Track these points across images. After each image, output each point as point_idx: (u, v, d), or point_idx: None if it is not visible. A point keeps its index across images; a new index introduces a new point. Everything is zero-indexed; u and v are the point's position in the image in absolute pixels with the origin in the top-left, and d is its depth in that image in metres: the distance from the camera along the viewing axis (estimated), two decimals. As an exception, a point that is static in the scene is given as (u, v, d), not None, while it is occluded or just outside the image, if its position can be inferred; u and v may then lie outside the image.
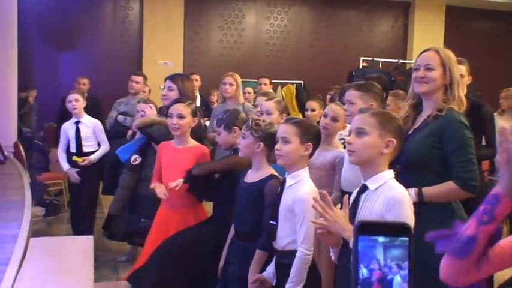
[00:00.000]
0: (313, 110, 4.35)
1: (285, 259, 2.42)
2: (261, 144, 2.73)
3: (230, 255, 2.86)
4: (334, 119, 3.32)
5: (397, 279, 0.76)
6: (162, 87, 8.67)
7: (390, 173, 2.01)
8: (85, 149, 5.01)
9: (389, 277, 0.76)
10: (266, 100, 3.64)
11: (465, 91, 3.54)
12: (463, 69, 3.45)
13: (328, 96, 5.77)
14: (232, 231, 2.92)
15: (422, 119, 2.55)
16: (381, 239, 0.77)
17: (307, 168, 2.50)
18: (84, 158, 4.91)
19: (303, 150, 2.45)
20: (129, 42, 10.01)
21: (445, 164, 2.42)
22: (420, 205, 2.26)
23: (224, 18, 10.50)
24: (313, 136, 2.50)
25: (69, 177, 5.04)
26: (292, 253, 2.38)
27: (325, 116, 3.37)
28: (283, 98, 8.55)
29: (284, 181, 2.51)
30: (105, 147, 5.10)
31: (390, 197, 1.91)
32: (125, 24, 10.04)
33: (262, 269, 2.64)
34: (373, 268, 0.76)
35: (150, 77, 6.40)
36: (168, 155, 3.39)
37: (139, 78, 5.73)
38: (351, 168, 2.71)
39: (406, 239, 0.77)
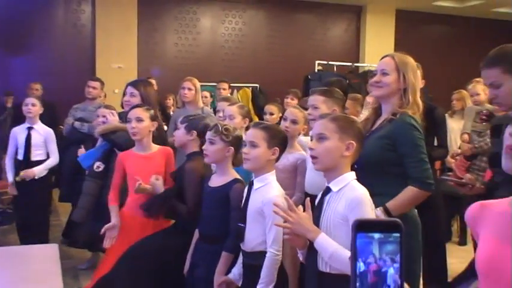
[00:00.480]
0: (271, 114, 4.43)
1: (254, 260, 2.48)
2: (232, 148, 2.78)
3: (196, 258, 2.89)
4: (294, 122, 3.41)
5: (391, 271, 0.84)
6: (116, 91, 8.61)
7: (352, 174, 2.10)
8: (33, 157, 4.81)
9: (383, 269, 0.84)
10: (229, 105, 3.68)
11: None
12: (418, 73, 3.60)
13: (286, 100, 5.86)
14: (196, 235, 2.95)
15: (380, 122, 2.65)
16: (376, 235, 0.85)
17: (274, 171, 2.56)
18: (26, 171, 4.70)
19: (270, 155, 2.51)
20: (81, 46, 9.84)
21: (403, 166, 2.52)
22: None
23: (179, 22, 10.48)
24: (280, 141, 2.56)
25: (10, 189, 4.79)
26: (261, 254, 2.43)
27: (285, 119, 3.45)
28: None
29: (251, 184, 2.56)
30: (54, 159, 4.91)
31: (352, 198, 2.00)
32: (77, 28, 9.88)
33: (228, 271, 2.69)
34: (370, 262, 0.84)
35: (103, 81, 6.32)
36: (133, 164, 3.36)
37: (96, 84, 5.66)
38: (315, 171, 2.78)
39: (398, 234, 0.86)
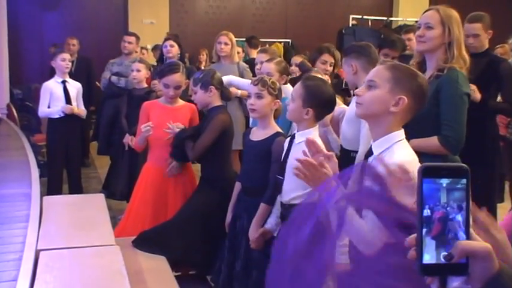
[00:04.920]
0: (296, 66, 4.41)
1: (290, 212, 2.50)
2: (278, 101, 2.80)
3: (238, 210, 2.94)
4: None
5: (458, 218, 0.84)
6: (148, 46, 8.62)
7: (398, 134, 1.78)
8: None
9: (451, 216, 0.84)
10: (266, 61, 3.65)
11: (487, 45, 3.62)
12: (477, 27, 3.55)
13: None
14: (237, 187, 3.00)
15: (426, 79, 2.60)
16: (444, 181, 0.84)
17: (317, 126, 2.51)
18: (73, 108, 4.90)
19: (304, 114, 2.43)
20: (114, 2, 9.87)
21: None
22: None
23: (210, -24, 10.38)
24: (317, 102, 2.44)
25: (67, 110, 4.83)
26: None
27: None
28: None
29: (293, 137, 2.55)
30: (84, 109, 5.11)
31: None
32: (109, -17, 9.88)
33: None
34: (437, 209, 0.84)
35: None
36: (158, 114, 3.45)
37: (132, 39, 5.70)
38: (347, 126, 2.74)
39: (465, 180, 0.85)
